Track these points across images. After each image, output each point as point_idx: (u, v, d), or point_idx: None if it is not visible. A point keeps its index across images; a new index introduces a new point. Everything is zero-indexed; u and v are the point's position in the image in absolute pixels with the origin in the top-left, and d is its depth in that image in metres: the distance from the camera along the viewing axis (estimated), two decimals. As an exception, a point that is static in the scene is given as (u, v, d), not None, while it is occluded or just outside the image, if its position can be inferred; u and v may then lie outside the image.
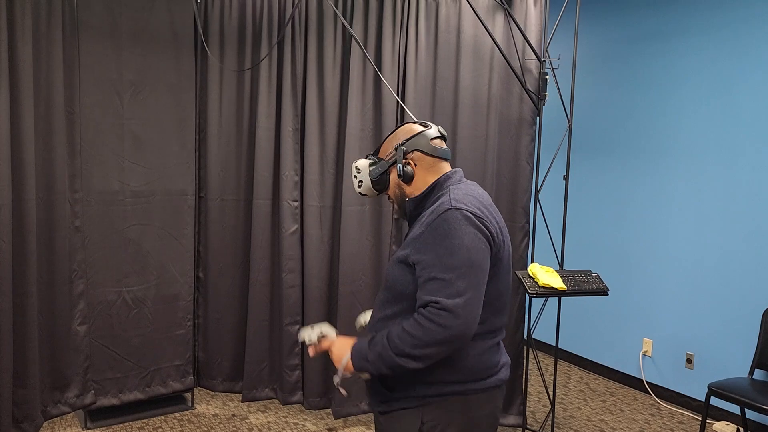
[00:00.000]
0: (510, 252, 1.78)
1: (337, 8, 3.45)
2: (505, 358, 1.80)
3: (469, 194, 1.70)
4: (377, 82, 3.45)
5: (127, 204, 3.33)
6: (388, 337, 1.62)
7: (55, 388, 3.25)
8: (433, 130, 1.81)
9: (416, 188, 1.79)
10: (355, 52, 3.43)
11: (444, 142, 1.84)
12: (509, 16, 3.24)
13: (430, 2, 3.37)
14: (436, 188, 1.76)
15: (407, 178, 1.78)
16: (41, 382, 3.17)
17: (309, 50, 3.52)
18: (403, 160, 1.78)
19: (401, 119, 3.43)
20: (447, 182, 1.76)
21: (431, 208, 1.69)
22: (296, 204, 3.60)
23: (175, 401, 3.64)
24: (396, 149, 1.80)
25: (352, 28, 3.43)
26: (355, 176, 1.92)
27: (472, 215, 1.62)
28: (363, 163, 1.89)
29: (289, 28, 3.49)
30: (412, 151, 1.78)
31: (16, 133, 2.95)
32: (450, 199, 1.66)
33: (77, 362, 3.26)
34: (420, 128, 1.81)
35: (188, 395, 3.68)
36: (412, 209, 1.80)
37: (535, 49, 3.25)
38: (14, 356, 3.04)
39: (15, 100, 2.94)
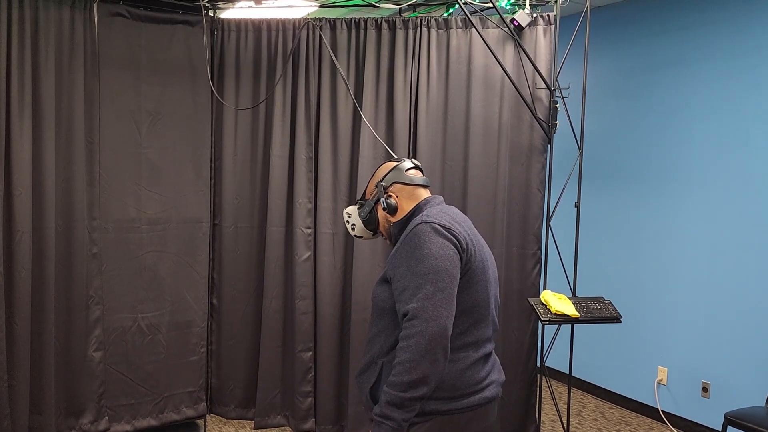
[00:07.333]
0: (490, 267, 1.88)
1: (350, 41, 3.53)
2: (496, 374, 1.84)
3: (443, 212, 1.84)
4: (389, 111, 3.50)
5: (144, 231, 3.38)
6: (387, 384, 1.66)
7: (69, 414, 3.27)
8: (407, 163, 2.01)
9: (400, 216, 1.96)
10: (368, 81, 3.50)
11: (420, 172, 2.02)
12: (519, 46, 3.30)
13: (441, 33, 3.44)
14: (416, 211, 1.92)
15: (391, 210, 1.95)
16: (56, 408, 3.19)
17: (322, 80, 3.59)
18: (385, 194, 1.97)
19: (414, 148, 3.48)
20: (426, 205, 1.92)
21: (408, 227, 1.84)
22: (309, 231, 3.63)
23: (188, 428, 3.65)
24: (377, 187, 1.99)
25: (365, 59, 3.50)
26: (347, 221, 2.14)
27: (440, 227, 1.75)
28: (352, 209, 2.13)
29: (303, 57, 3.57)
30: (392, 184, 1.97)
31: (37, 162, 3.03)
32: (422, 215, 1.83)
33: (92, 388, 3.28)
34: (395, 163, 2.02)
35: (201, 422, 3.68)
36: (396, 232, 1.96)
37: (545, 78, 3.30)
38: (31, 382, 3.07)
39: (37, 130, 3.03)
